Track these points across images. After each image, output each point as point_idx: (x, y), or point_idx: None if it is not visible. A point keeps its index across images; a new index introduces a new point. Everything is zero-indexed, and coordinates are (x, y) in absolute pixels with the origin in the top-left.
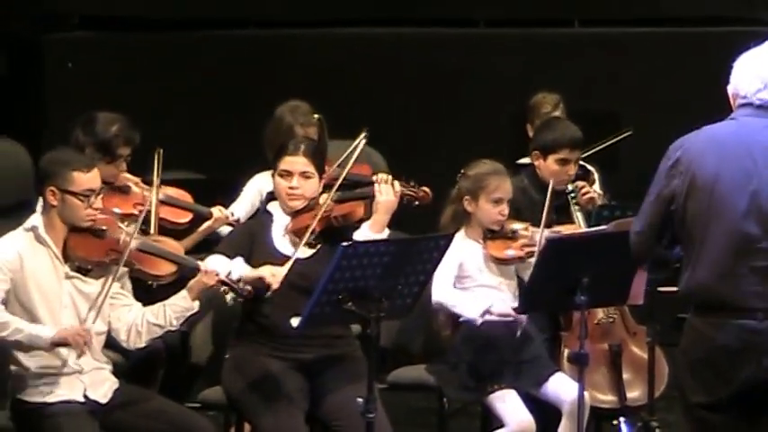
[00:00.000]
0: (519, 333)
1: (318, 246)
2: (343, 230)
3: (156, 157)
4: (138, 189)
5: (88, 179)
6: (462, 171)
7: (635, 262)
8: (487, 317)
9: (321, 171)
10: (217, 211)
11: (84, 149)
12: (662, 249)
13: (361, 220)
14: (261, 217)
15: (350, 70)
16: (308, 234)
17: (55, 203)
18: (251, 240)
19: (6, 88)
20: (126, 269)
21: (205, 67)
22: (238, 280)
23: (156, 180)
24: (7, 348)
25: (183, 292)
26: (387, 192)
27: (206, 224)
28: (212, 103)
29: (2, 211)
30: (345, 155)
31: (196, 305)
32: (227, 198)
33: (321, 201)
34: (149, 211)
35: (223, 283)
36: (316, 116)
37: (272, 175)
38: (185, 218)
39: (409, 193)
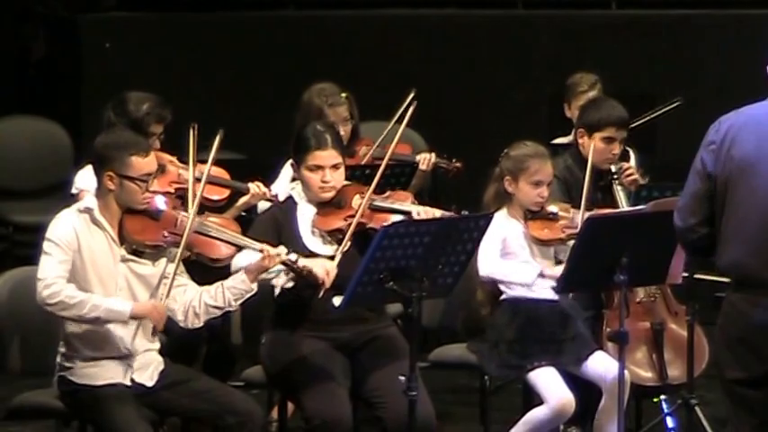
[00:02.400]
0: (570, 295)
1: (348, 245)
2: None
3: (191, 131)
4: (174, 167)
5: (146, 163)
6: (505, 151)
7: (679, 242)
8: (540, 280)
9: (344, 155)
10: (254, 186)
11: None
12: (704, 230)
13: None
14: (286, 203)
15: (388, 51)
16: (345, 245)
17: (113, 188)
18: (278, 230)
19: (44, 69)
20: (186, 252)
21: (244, 48)
22: (297, 261)
23: (192, 156)
24: (60, 327)
25: (242, 275)
26: (426, 215)
27: (243, 199)
28: (251, 84)
29: (41, 190)
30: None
31: (255, 287)
32: (268, 178)
33: (354, 204)
34: (194, 191)
35: (284, 264)
36: (343, 95)
37: (295, 167)
38: (223, 194)
39: (443, 165)
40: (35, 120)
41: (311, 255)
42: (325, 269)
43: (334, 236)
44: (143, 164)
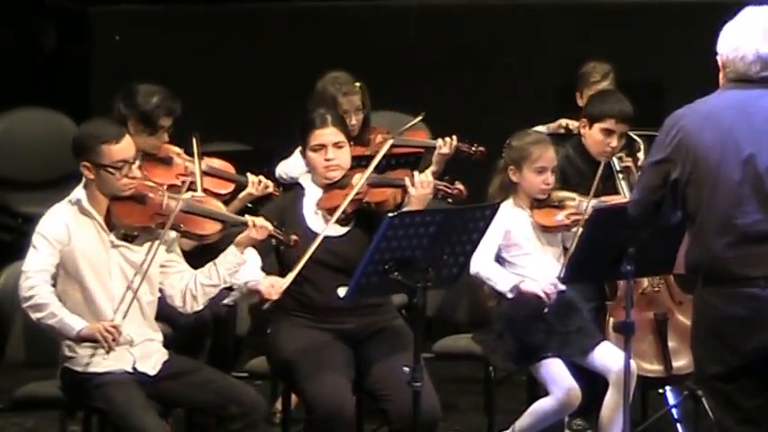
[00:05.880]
0: (546, 310)
1: (350, 225)
2: (375, 212)
3: (193, 141)
4: (181, 160)
5: (118, 150)
6: (507, 141)
7: (634, 230)
8: (516, 293)
9: (349, 138)
10: (252, 177)
11: (125, 122)
12: (660, 220)
13: (398, 206)
14: (294, 190)
15: (400, 42)
16: (337, 213)
17: (92, 177)
18: (280, 215)
19: (54, 61)
20: (175, 234)
21: (252, 39)
22: (284, 232)
23: (197, 164)
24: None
25: (232, 248)
26: (422, 186)
27: (244, 192)
28: (259, 75)
29: (50, 182)
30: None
31: (246, 257)
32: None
33: (354, 181)
34: (192, 182)
35: (271, 236)
36: (357, 84)
37: (302, 153)
38: (227, 188)
39: (464, 149)
40: (44, 112)
41: (314, 235)
42: (270, 283)
43: (333, 213)
44: (114, 151)
